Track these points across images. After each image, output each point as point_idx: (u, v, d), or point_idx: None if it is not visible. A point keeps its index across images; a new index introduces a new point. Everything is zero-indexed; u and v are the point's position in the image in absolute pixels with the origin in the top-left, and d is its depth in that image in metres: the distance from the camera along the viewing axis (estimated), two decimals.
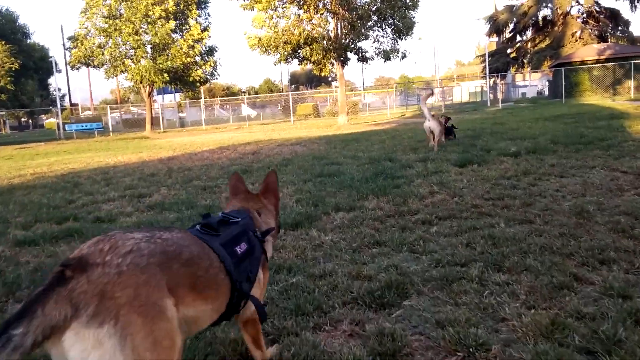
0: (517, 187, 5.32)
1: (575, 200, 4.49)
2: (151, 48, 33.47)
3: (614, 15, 49.29)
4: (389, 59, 24.37)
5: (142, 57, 32.55)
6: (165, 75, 32.44)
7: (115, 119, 60.96)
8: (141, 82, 33.31)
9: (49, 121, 66.39)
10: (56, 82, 39.68)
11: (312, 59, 24.70)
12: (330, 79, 73.32)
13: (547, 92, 55.83)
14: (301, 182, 6.78)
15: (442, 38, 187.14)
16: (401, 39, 24.77)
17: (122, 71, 33.60)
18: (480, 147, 8.82)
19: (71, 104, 65.70)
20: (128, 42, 32.41)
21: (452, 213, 4.35)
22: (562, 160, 6.84)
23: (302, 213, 4.77)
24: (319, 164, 8.57)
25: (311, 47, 23.99)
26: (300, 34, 23.71)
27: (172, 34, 33.19)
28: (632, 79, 32.02)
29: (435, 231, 3.83)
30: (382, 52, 24.58)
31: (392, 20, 24.64)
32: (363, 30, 24.41)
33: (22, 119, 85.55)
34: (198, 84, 36.87)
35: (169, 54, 32.57)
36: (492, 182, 5.78)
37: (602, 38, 48.68)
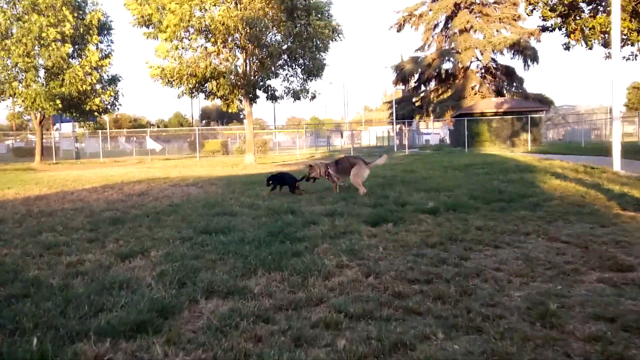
0: (446, 262, 4.25)
1: (527, 289, 3.46)
2: (44, 72, 30.39)
3: (509, 72, 53.16)
4: (299, 99, 23.63)
5: (33, 81, 29.28)
6: (58, 101, 29.41)
7: (6, 147, 55.25)
8: (31, 108, 29.93)
9: None
10: None
11: (219, 94, 23.34)
12: (242, 116, 72.01)
13: (448, 140, 58.62)
14: (177, 242, 5.31)
15: (352, 83, 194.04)
16: (311, 79, 24.21)
17: (10, 95, 30.02)
18: (393, 200, 7.85)
19: None
20: (18, 64, 29.09)
21: (368, 308, 3.11)
22: (488, 222, 5.97)
23: (157, 300, 3.32)
24: (209, 214, 7.12)
25: (218, 81, 22.66)
26: (206, 67, 22.32)
27: (69, 59, 30.37)
28: (529, 132, 33.93)
29: (343, 347, 2.55)
30: (292, 92, 23.82)
31: (302, 61, 24.06)
32: (273, 68, 23.55)
33: None
34: (96, 114, 33.90)
35: (63, 80, 29.65)
36: (413, 251, 4.70)
37: (499, 93, 52.18)
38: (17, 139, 61.56)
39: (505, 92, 53.40)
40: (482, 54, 52.12)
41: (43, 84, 29.84)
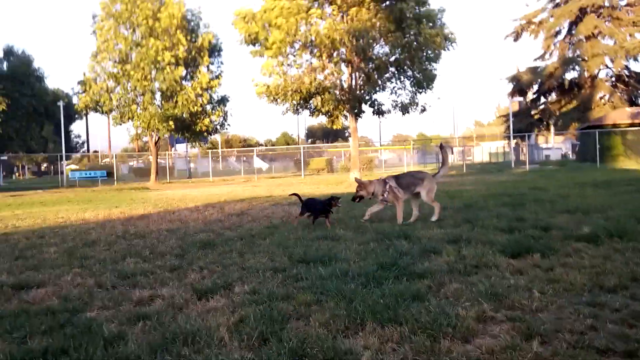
0: None
1: None
2: (157, 94, 32.15)
3: None
4: (407, 112, 22.35)
5: (149, 104, 31.06)
6: (171, 123, 30.90)
7: (128, 168, 59.93)
8: (147, 130, 31.82)
9: (70, 167, 66.06)
10: (63, 127, 38.25)
11: (324, 110, 22.80)
12: (347, 134, 72.01)
13: (571, 156, 53.36)
14: (268, 274, 4.38)
15: (462, 97, 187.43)
16: (420, 92, 22.83)
17: (129, 118, 32.15)
18: (532, 224, 6.32)
19: (88, 150, 65.15)
20: (136, 88, 31.09)
21: None
22: None
23: None
24: (308, 239, 6.16)
25: (322, 97, 22.14)
26: (311, 82, 21.91)
27: (182, 81, 31.88)
28: None
29: None
30: (400, 105, 22.59)
31: (411, 72, 22.80)
32: (379, 81, 22.54)
33: (43, 165, 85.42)
34: (206, 134, 35.22)
35: (176, 102, 31.11)
36: (584, 297, 3.30)
37: (632, 103, 46.57)
38: (140, 160, 66.56)
39: None
40: (612, 61, 46.96)
41: (158, 106, 31.45)
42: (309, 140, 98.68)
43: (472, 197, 11.01)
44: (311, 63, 22.86)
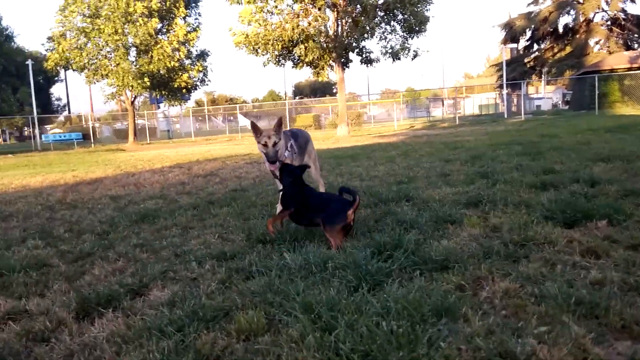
0: None
1: None
2: (132, 50, 30.00)
3: None
4: (398, 59, 20.62)
5: (122, 60, 28.86)
6: (146, 79, 28.91)
7: (109, 130, 57.77)
8: (121, 87, 29.76)
9: (54, 131, 63.61)
10: (32, 88, 35.99)
11: (308, 60, 20.97)
12: (334, 90, 69.73)
13: (561, 105, 51.88)
14: (208, 265, 2.97)
15: (450, 50, 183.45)
16: (412, 36, 21.03)
17: (102, 76, 29.98)
18: (568, 177, 4.90)
19: (69, 112, 62.60)
20: (108, 43, 28.86)
21: None
22: None
23: None
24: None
25: (306, 45, 20.28)
26: (293, 29, 20.01)
27: (157, 35, 29.66)
28: None
29: None
30: (390, 51, 20.80)
31: (402, 16, 20.93)
32: (367, 26, 20.64)
33: (26, 130, 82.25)
34: (185, 91, 33.18)
35: (152, 57, 29.01)
36: None
37: (628, 47, 44.80)
38: (125, 122, 64.16)
39: (636, 45, 45.77)
40: (608, 4, 44.81)
41: (132, 62, 29.39)
42: (297, 98, 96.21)
43: (477, 147, 9.60)
44: (293, 8, 20.87)
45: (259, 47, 20.81)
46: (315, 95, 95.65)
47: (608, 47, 45.14)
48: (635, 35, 46.14)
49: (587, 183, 4.45)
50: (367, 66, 22.41)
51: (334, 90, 74.46)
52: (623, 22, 45.71)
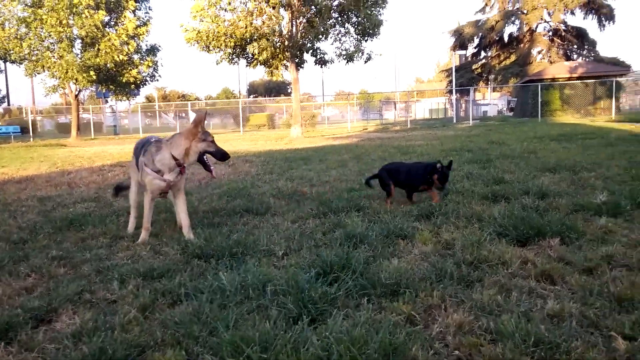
0: None
1: None
2: (77, 42, 28.64)
3: (581, 34, 47.60)
4: (352, 61, 20.52)
5: (66, 52, 27.44)
6: (92, 73, 27.60)
7: (51, 124, 55.07)
8: (64, 80, 28.29)
9: None
10: None
11: (261, 59, 20.55)
12: (289, 90, 69.29)
13: (505, 112, 53.71)
14: (132, 286, 2.65)
15: (402, 54, 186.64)
16: (366, 39, 21.03)
17: (44, 67, 28.39)
18: (518, 187, 4.86)
19: (8, 104, 59.10)
20: (51, 35, 27.38)
21: None
22: None
23: None
24: (226, 210, 4.44)
25: (259, 43, 19.87)
26: (246, 27, 19.57)
27: (104, 28, 28.42)
28: (613, 98, 29.38)
29: None
30: (344, 54, 20.71)
31: (356, 18, 20.89)
32: (322, 28, 20.46)
33: None
34: (134, 86, 31.98)
35: (99, 50, 27.77)
36: None
37: (567, 57, 46.88)
38: (69, 116, 61.33)
39: (575, 56, 47.97)
40: (551, 15, 46.72)
41: (77, 55, 28.07)
42: (251, 96, 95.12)
43: (428, 152, 9.59)
44: (247, 6, 20.41)
45: (211, 44, 20.23)
46: (270, 95, 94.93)
47: (549, 57, 47.10)
48: (575, 46, 48.37)
49: (537, 195, 4.41)
50: (321, 67, 22.25)
51: (289, 90, 74.00)
52: (563, 34, 47.82)
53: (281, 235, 3.53)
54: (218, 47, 20.48)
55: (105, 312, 2.31)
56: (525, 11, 47.13)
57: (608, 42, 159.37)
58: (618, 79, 31.33)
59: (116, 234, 3.91)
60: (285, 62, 21.74)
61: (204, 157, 3.62)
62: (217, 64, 20.97)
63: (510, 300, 2.18)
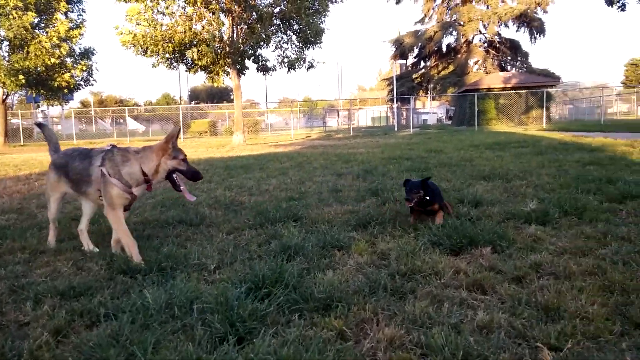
0: None
1: None
2: (4, 44, 27.11)
3: (514, 46, 50.04)
4: (294, 69, 20.53)
5: None
6: (21, 77, 26.15)
7: None
8: None
9: None
10: None
11: (201, 64, 20.17)
12: (232, 96, 68.52)
13: (445, 120, 55.60)
14: (45, 309, 2.44)
15: (345, 62, 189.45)
16: (308, 47, 21.10)
17: None
18: (454, 196, 4.96)
19: None
20: None
21: None
22: None
23: None
24: (158, 222, 4.24)
25: (199, 49, 19.50)
26: (185, 32, 19.15)
27: (34, 30, 27.01)
28: (544, 108, 30.99)
29: None
30: (286, 61, 20.69)
31: (298, 26, 20.94)
32: (264, 34, 20.35)
33: None
34: (66, 91, 30.55)
35: (28, 53, 26.35)
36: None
37: (502, 68, 49.12)
38: None
39: (509, 67, 50.39)
40: (486, 27, 48.87)
41: (4, 58, 26.53)
42: (193, 102, 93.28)
43: (369, 160, 9.67)
44: (185, 11, 19.98)
45: (148, 48, 19.63)
46: (213, 101, 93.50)
47: (485, 67, 49.18)
48: (509, 57, 50.81)
49: (471, 204, 4.50)
50: (263, 74, 22.11)
51: (232, 96, 73.12)
52: (498, 45, 50.11)
53: (215, 248, 3.40)
54: (156, 52, 19.91)
55: (14, 337, 2.11)
56: (462, 23, 49.01)
57: (539, 54, 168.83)
58: (548, 89, 33.06)
59: (36, 248, 3.64)
60: (226, 68, 21.44)
61: (174, 175, 3.41)
62: (153, 67, 20.37)
63: (442, 312, 2.17)
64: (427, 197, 3.80)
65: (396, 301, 2.33)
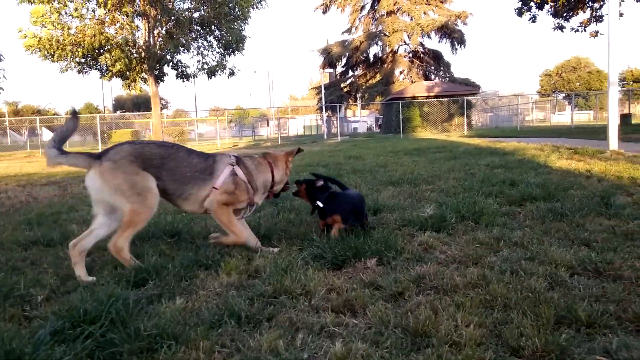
0: None
1: None
2: None
3: (437, 56, 51.75)
4: (214, 75, 19.94)
5: None
6: None
7: None
8: None
9: None
10: None
11: (115, 70, 19.10)
12: (161, 106, 66.15)
13: (375, 128, 56.60)
14: None
15: (276, 71, 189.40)
16: (230, 54, 20.56)
17: None
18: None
19: None
20: None
21: None
22: (543, 247, 2.95)
23: None
24: (6, 243, 3.60)
25: (112, 54, 18.45)
26: (95, 35, 18.04)
27: None
28: (465, 116, 32.09)
29: None
30: (207, 68, 20.03)
31: (218, 32, 20.37)
32: (183, 40, 19.62)
33: None
34: None
35: None
36: None
37: (427, 77, 50.66)
38: None
39: (433, 76, 52.06)
40: (410, 38, 50.25)
41: None
42: (118, 112, 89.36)
43: None
44: (96, 13, 18.86)
45: (55, 53, 18.33)
46: (139, 110, 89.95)
47: (410, 76, 50.52)
48: (432, 67, 52.51)
49: (371, 211, 4.20)
50: (183, 81, 21.30)
51: (161, 106, 70.55)
52: (422, 55, 51.70)
53: (57, 273, 2.85)
54: (64, 57, 18.63)
55: None
56: (387, 33, 50.09)
57: (461, 64, 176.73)
58: (469, 97, 34.31)
59: None
60: (143, 74, 20.46)
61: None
62: (61, 72, 19.01)
63: (294, 345, 1.79)
64: (320, 204, 3.45)
65: (247, 332, 1.93)
